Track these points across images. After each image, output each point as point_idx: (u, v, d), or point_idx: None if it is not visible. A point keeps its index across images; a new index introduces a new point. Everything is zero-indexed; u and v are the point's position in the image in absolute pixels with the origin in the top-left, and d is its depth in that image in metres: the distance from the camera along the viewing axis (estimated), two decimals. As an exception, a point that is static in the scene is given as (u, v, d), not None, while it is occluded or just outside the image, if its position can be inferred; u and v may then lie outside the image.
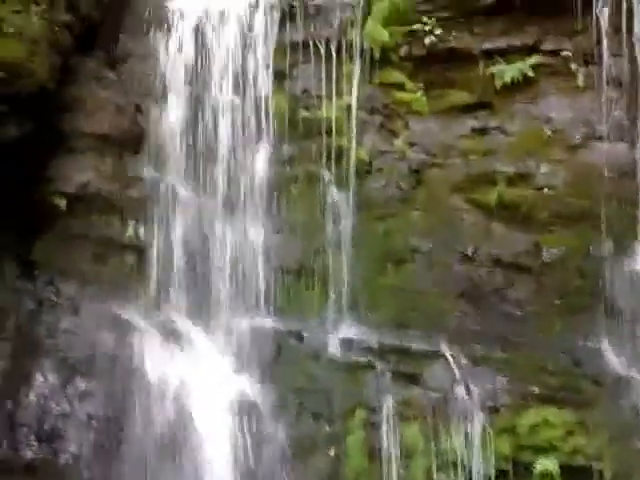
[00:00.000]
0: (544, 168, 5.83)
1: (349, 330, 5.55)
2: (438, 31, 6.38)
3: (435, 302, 5.67)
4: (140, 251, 6.02)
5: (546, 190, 5.76)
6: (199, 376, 5.21)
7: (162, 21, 7.02)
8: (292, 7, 6.72)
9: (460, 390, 4.89)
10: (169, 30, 6.93)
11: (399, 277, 5.83)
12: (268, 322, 5.66)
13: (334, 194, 6.12)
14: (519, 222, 5.72)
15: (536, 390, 4.96)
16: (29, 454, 4.91)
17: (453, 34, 6.39)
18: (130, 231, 6.06)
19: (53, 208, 6.09)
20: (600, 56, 5.90)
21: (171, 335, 5.50)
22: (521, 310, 5.44)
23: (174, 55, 6.70)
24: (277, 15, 6.68)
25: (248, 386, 5.17)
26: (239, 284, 5.82)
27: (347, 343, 5.42)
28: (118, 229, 6.11)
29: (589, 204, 5.52)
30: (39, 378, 5.19)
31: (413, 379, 5.20)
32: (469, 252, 5.73)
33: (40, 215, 6.15)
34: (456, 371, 5.01)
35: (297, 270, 5.92)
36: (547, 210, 5.67)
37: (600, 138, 5.77)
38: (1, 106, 5.70)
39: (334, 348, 5.35)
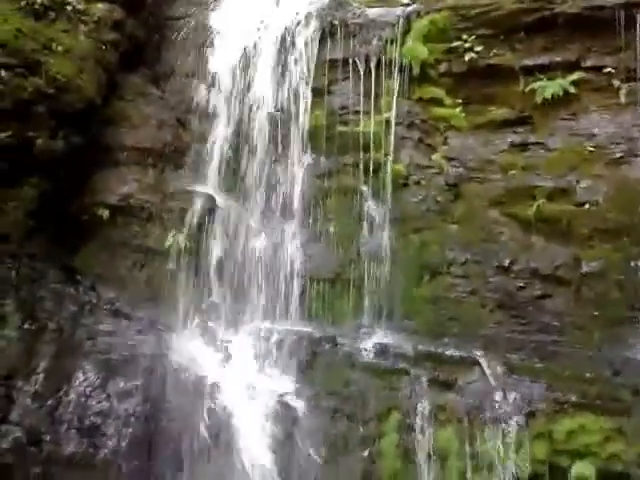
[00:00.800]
0: (585, 183, 6.08)
1: (384, 337, 5.90)
2: (478, 48, 6.75)
3: (471, 311, 5.96)
4: (178, 259, 6.58)
5: (587, 205, 6.00)
6: (235, 379, 5.64)
7: (205, 39, 7.74)
8: (332, 25, 7.28)
9: (496, 396, 5.17)
10: (212, 47, 7.65)
11: (435, 287, 6.15)
12: (303, 328, 6.05)
13: (371, 206, 6.54)
14: (558, 236, 5.96)
15: (573, 398, 5.14)
16: (70, 448, 5.41)
17: (494, 51, 6.75)
18: (169, 240, 6.62)
19: (96, 218, 6.72)
20: (643, 71, 6.13)
21: (207, 338, 5.99)
22: (559, 321, 5.68)
23: (216, 72, 7.37)
24: (318, 33, 7.24)
25: (283, 389, 5.56)
26: (275, 291, 6.28)
27: (382, 349, 5.73)
28: (157, 238, 6.67)
29: (629, 219, 5.74)
30: (80, 377, 5.71)
31: (448, 385, 5.44)
32: (506, 264, 6.00)
33: (83, 224, 6.77)
34: (491, 378, 5.30)
35: (332, 279, 6.33)
36: (587, 225, 5.90)
37: (641, 154, 6.01)
38: (50, 121, 6.35)
39: (369, 354, 5.69)
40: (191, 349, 5.81)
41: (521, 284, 5.92)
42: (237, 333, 6.10)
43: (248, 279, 6.38)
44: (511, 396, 5.14)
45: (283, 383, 5.62)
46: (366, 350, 5.71)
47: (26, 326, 5.82)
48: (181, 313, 6.22)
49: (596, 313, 5.60)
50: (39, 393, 5.58)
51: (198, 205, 6.72)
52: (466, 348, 5.65)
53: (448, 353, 5.64)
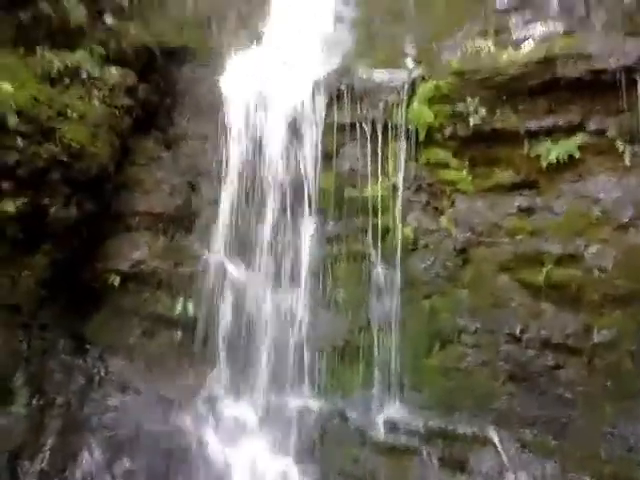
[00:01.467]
0: (593, 248, 6.07)
1: (394, 411, 5.84)
2: (482, 111, 6.84)
3: (483, 383, 5.91)
4: (188, 327, 6.59)
5: (596, 271, 5.97)
6: (242, 455, 5.57)
7: (216, 103, 7.88)
8: (339, 90, 7.43)
9: (508, 477, 5.08)
10: (222, 112, 7.78)
11: (446, 357, 6.12)
12: (312, 401, 6.01)
13: (379, 272, 6.56)
14: (568, 303, 5.94)
15: (588, 479, 5.08)
16: (75, 530, 5.35)
17: (497, 114, 6.82)
18: (179, 307, 6.65)
19: (107, 285, 6.77)
20: (646, 134, 6.19)
21: (215, 412, 5.94)
22: (572, 393, 5.60)
23: (227, 136, 7.48)
24: (325, 98, 7.39)
25: (290, 467, 5.49)
26: (283, 361, 6.24)
27: (392, 425, 5.67)
28: (168, 305, 6.72)
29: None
30: (86, 456, 5.66)
31: (460, 465, 5.36)
32: (517, 332, 5.96)
33: (94, 291, 6.84)
34: (504, 457, 5.21)
35: (342, 348, 6.32)
36: (597, 291, 5.87)
37: (650, 218, 6.02)
38: (64, 188, 6.43)
39: (379, 430, 5.63)
40: (198, 425, 5.74)
41: (532, 354, 5.88)
42: (245, 406, 6.05)
43: (256, 348, 6.36)
44: (522, 477, 5.03)
45: (290, 460, 5.53)
46: (376, 426, 5.64)
47: (34, 402, 5.80)
48: (189, 385, 6.18)
49: (609, 384, 5.53)
50: (45, 472, 5.53)
51: (208, 271, 6.74)
52: (478, 423, 5.57)
53: (460, 430, 5.56)
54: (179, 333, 6.54)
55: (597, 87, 6.44)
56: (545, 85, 6.68)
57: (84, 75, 7.18)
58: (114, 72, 7.53)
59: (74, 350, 6.37)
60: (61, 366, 6.16)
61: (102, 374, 6.26)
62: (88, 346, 6.46)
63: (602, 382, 5.57)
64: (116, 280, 6.73)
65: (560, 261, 6.15)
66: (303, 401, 6.02)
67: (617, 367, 5.57)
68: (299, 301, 6.56)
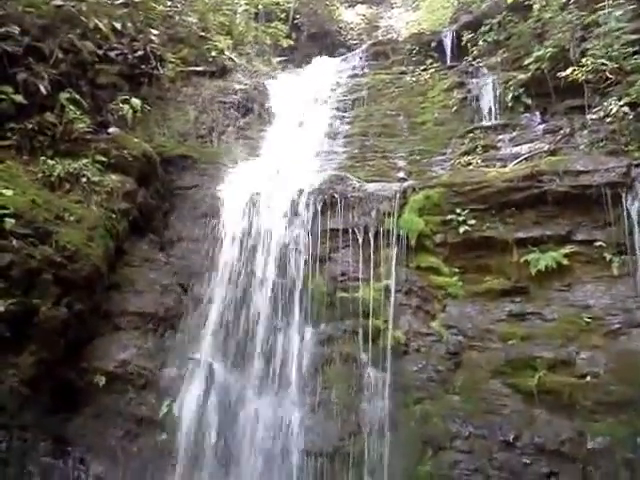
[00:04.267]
0: (584, 354, 6.24)
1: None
2: (472, 221, 7.28)
3: (477, 492, 5.85)
4: (172, 429, 6.55)
5: (588, 377, 6.09)
6: None
7: (211, 208, 8.32)
8: (333, 197, 7.92)
9: None
10: (217, 216, 8.19)
11: (438, 464, 6.06)
12: (300, 510, 5.91)
13: (370, 375, 6.64)
14: (562, 408, 6.00)
15: None
16: None
17: (487, 224, 7.26)
18: (164, 409, 6.63)
19: (92, 384, 6.77)
20: (633, 246, 6.54)
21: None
22: (568, 503, 5.59)
23: (221, 239, 7.84)
24: (319, 205, 7.85)
25: None
26: (271, 466, 6.19)
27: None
28: (152, 407, 6.70)
29: (633, 392, 5.81)
30: None
31: None
32: (510, 439, 5.97)
33: (78, 391, 6.82)
34: None
35: (332, 453, 6.26)
36: (590, 397, 5.96)
37: (639, 325, 6.22)
38: (56, 289, 6.50)
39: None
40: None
41: (527, 461, 5.87)
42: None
43: (244, 452, 6.31)
44: None
45: None
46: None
47: (12, 507, 5.66)
48: (173, 490, 6.09)
49: (606, 496, 5.50)
50: None
51: (195, 373, 6.81)
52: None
53: None
54: (163, 436, 6.48)
55: (584, 201, 6.90)
56: (532, 199, 7.15)
57: (84, 180, 7.56)
58: (113, 178, 7.94)
59: (54, 452, 6.27)
60: (40, 469, 6.05)
61: (82, 477, 6.15)
62: (69, 448, 6.37)
63: (599, 492, 5.55)
64: (101, 380, 6.74)
65: (553, 367, 6.28)
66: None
67: (614, 475, 5.56)
68: (289, 403, 6.59)
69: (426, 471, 6.10)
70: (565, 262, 6.78)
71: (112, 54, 9.37)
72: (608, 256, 6.70)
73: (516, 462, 5.87)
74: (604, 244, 6.77)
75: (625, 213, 6.71)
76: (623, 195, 6.78)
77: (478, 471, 5.94)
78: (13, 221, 6.28)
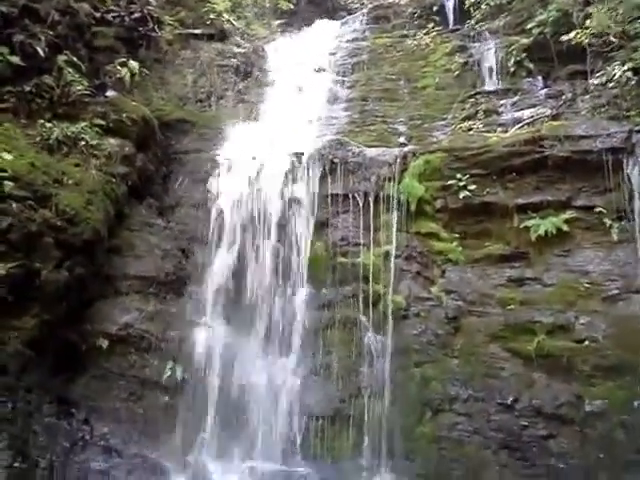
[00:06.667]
0: (583, 319, 6.28)
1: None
2: (472, 187, 7.24)
3: (474, 453, 5.93)
4: (175, 392, 6.60)
5: (586, 342, 6.15)
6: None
7: (211, 172, 8.24)
8: (333, 163, 7.85)
9: None
10: (217, 181, 8.12)
11: (437, 426, 6.14)
12: (300, 468, 5.97)
13: (371, 338, 6.69)
14: (560, 373, 6.06)
15: None
16: None
17: (487, 190, 7.22)
18: (167, 372, 6.68)
19: (95, 347, 6.81)
20: (632, 212, 6.55)
21: (202, 478, 5.89)
22: (564, 463, 5.63)
23: (221, 204, 7.79)
24: (319, 170, 7.79)
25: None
26: (273, 428, 6.25)
27: (384, 494, 5.68)
28: (155, 369, 6.74)
29: (631, 356, 5.87)
30: (68, 523, 5.54)
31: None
32: (509, 401, 6.04)
33: (81, 353, 6.84)
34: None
35: (332, 415, 6.32)
36: (588, 362, 6.03)
37: (637, 291, 6.27)
38: (57, 252, 6.48)
39: (370, 499, 5.61)
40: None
41: (525, 423, 5.94)
42: (233, 473, 6.00)
43: (246, 415, 6.37)
44: None
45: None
46: (367, 495, 5.61)
47: (17, 464, 5.70)
48: (175, 450, 6.15)
49: (601, 455, 5.58)
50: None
51: (197, 336, 6.83)
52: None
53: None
54: (166, 398, 6.54)
55: (584, 167, 6.87)
56: (533, 164, 7.11)
57: (83, 144, 7.47)
58: (112, 142, 7.83)
59: (59, 413, 6.29)
60: (45, 429, 6.07)
61: (87, 437, 6.20)
62: (73, 409, 6.41)
63: (595, 453, 5.62)
64: (104, 343, 6.77)
65: (551, 332, 6.32)
66: (292, 469, 5.98)
67: (610, 437, 5.64)
68: (290, 367, 6.63)
69: (425, 432, 6.18)
70: (565, 228, 6.77)
71: (109, 16, 9.17)
72: (608, 222, 6.70)
73: (514, 424, 5.94)
74: (604, 210, 6.74)
75: (625, 179, 6.69)
76: (624, 161, 6.75)
77: (476, 432, 6.02)
78: (12, 184, 6.20)
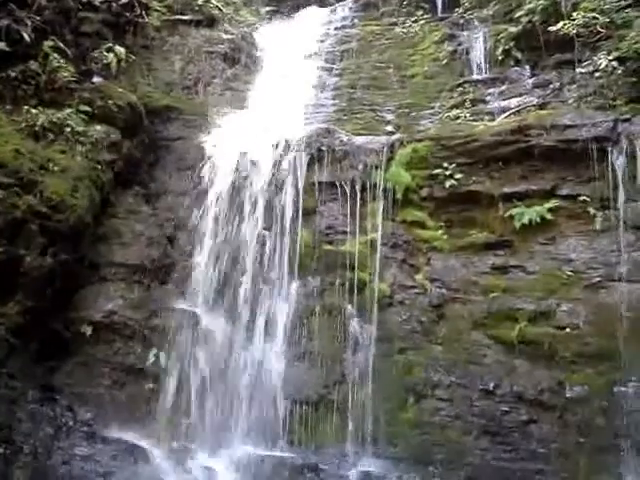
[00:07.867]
0: (565, 307, 6.37)
1: (368, 465, 5.90)
2: (458, 175, 7.26)
3: (456, 438, 6.02)
4: (159, 379, 6.63)
5: (568, 329, 6.24)
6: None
7: (197, 160, 8.24)
8: (320, 151, 7.87)
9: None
10: (203, 169, 8.12)
11: (420, 411, 6.23)
12: (285, 454, 6.04)
13: (355, 325, 6.75)
14: (541, 359, 6.15)
15: (562, 536, 5.16)
16: None
17: (473, 179, 7.25)
18: (151, 358, 6.71)
19: (79, 334, 6.83)
20: (616, 201, 6.60)
21: (186, 464, 5.94)
22: (545, 448, 5.73)
23: (208, 192, 7.80)
24: (306, 158, 7.80)
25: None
26: (258, 413, 6.30)
27: (366, 478, 5.74)
28: (139, 356, 6.77)
29: (610, 344, 5.95)
30: (53, 505, 5.58)
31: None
32: (491, 387, 6.13)
33: (65, 340, 6.87)
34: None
35: (316, 401, 6.40)
36: (569, 349, 6.11)
37: (619, 279, 6.33)
38: (41, 239, 6.48)
39: (353, 484, 5.69)
40: (168, 477, 5.73)
41: (506, 408, 6.03)
42: (218, 458, 6.06)
43: (230, 400, 6.42)
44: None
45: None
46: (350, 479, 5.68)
47: (0, 450, 5.74)
48: (160, 436, 6.19)
49: (581, 440, 5.67)
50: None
51: (182, 323, 6.86)
52: (452, 478, 5.64)
53: (434, 484, 5.62)
54: (150, 385, 6.57)
55: (570, 156, 6.89)
56: (519, 153, 7.13)
57: (68, 130, 7.44)
58: (98, 128, 7.81)
59: (42, 399, 6.32)
60: (29, 415, 6.09)
61: (70, 423, 6.22)
62: (57, 396, 6.44)
63: (575, 437, 5.73)
64: (88, 330, 6.78)
65: (533, 319, 6.40)
66: (276, 454, 6.04)
67: (589, 423, 5.74)
68: (275, 354, 6.69)
69: (408, 417, 6.26)
70: (549, 217, 6.82)
71: (96, 2, 9.04)
72: (592, 211, 6.74)
73: (495, 409, 6.04)
74: (588, 199, 6.78)
75: (610, 168, 6.72)
76: (609, 150, 6.78)
77: (458, 418, 6.11)
78: (-4, 170, 6.18)
